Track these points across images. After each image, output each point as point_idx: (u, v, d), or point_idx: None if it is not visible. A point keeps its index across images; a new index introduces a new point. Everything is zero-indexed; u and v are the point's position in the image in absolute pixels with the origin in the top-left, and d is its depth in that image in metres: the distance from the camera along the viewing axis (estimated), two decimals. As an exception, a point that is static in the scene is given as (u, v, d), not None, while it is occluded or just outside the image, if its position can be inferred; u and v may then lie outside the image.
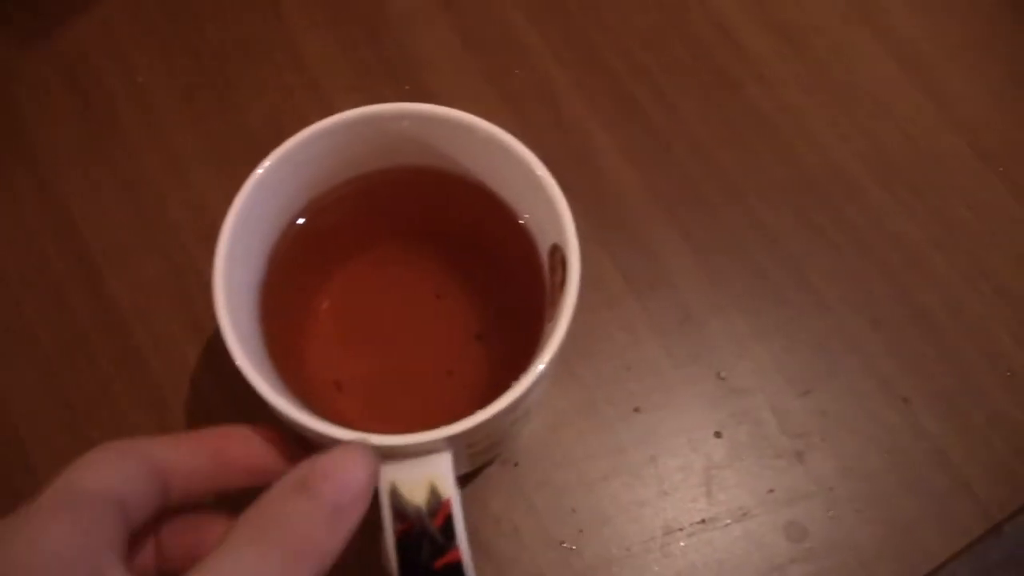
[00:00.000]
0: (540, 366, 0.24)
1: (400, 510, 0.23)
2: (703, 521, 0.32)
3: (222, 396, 0.33)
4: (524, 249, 0.29)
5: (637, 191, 0.37)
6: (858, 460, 0.33)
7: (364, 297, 0.31)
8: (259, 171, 0.27)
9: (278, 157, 0.27)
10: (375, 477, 0.23)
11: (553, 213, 0.27)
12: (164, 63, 0.39)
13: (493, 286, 0.31)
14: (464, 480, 0.32)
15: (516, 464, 0.33)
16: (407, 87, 0.39)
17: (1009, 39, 0.41)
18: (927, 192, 0.37)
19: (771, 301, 0.35)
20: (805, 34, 0.40)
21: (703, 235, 0.36)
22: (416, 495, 0.23)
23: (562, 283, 0.26)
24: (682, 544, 0.32)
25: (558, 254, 0.27)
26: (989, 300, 0.35)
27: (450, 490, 0.23)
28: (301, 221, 0.30)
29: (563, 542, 0.32)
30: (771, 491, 0.32)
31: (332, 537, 0.21)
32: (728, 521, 0.32)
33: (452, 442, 0.24)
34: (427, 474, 0.23)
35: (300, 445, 0.25)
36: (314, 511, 0.21)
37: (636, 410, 0.33)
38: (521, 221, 0.29)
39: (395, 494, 0.23)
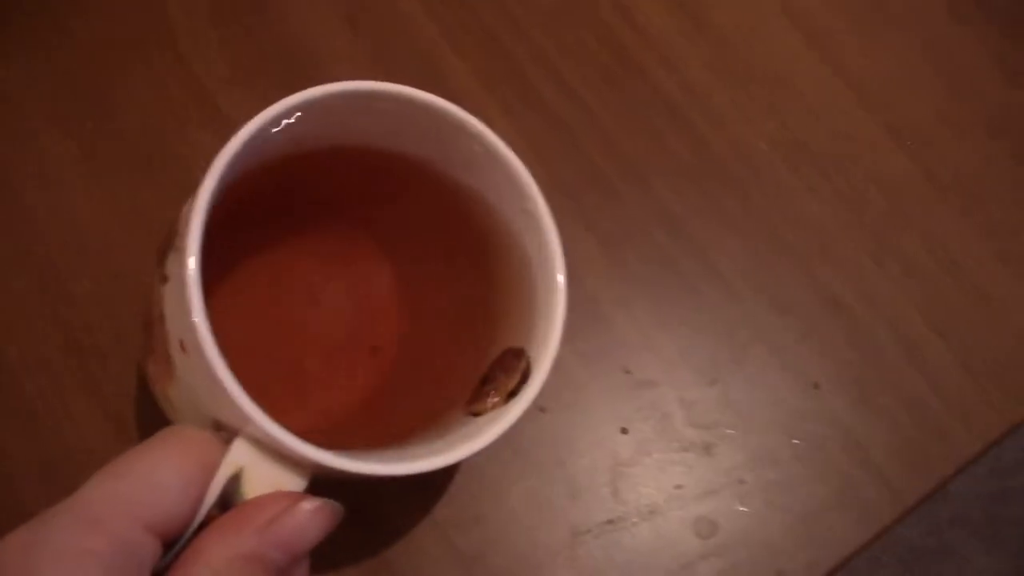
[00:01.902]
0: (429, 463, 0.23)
1: (227, 500, 0.21)
2: (610, 521, 0.31)
3: (99, 416, 0.31)
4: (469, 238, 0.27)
5: (540, 180, 0.36)
6: (768, 450, 0.32)
7: (266, 292, 0.29)
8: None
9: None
10: (328, 529, 0.22)
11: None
12: (25, 62, 0.37)
13: (415, 291, 0.29)
14: (361, 492, 0.31)
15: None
16: (296, 79, 0.37)
17: (919, 11, 0.40)
18: (835, 173, 0.37)
19: (677, 290, 0.34)
20: (707, 10, 0.39)
21: (608, 225, 0.35)
22: (250, 493, 0.21)
23: (511, 393, 0.24)
24: (590, 547, 0.31)
25: (523, 362, 0.25)
26: (899, 281, 0.35)
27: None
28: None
29: (468, 552, 0.31)
30: (679, 486, 0.32)
31: None
32: (636, 520, 0.31)
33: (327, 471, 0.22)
34: (279, 482, 0.22)
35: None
36: None
37: (542, 410, 0.32)
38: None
39: (236, 480, 0.21)
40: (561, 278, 0.25)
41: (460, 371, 0.26)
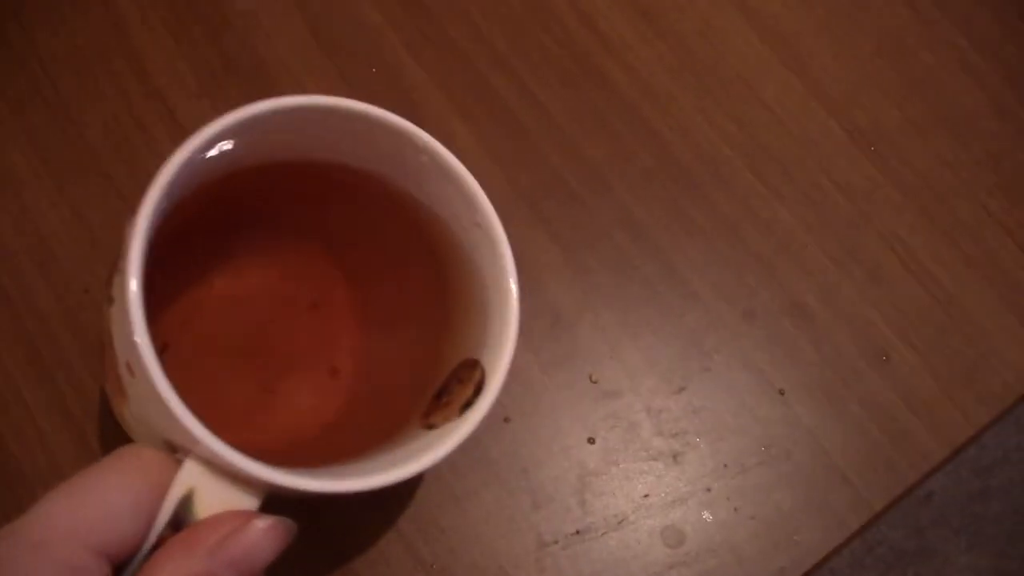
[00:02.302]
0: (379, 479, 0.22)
1: (179, 521, 0.21)
2: (577, 532, 0.31)
3: (63, 433, 0.31)
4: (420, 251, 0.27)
5: (501, 187, 0.36)
6: (735, 457, 0.32)
7: (226, 308, 0.29)
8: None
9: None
10: (280, 546, 0.21)
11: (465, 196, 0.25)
12: (-11, 75, 0.37)
13: (372, 305, 0.29)
14: (322, 506, 0.31)
15: (380, 486, 0.31)
16: (257, 90, 0.37)
17: (882, 14, 0.40)
18: (798, 175, 0.36)
19: (641, 297, 0.34)
20: (667, 13, 0.39)
21: (570, 232, 0.35)
22: (202, 513, 0.21)
23: (466, 404, 0.24)
24: (557, 557, 0.30)
25: (477, 372, 0.25)
26: (861, 285, 0.35)
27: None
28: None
29: (433, 564, 0.30)
30: (646, 496, 0.31)
31: None
32: (604, 530, 0.31)
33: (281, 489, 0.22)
34: (231, 502, 0.21)
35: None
36: None
37: (506, 420, 0.32)
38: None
39: (187, 501, 0.21)
40: (514, 287, 0.25)
41: (417, 385, 0.26)
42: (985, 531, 0.99)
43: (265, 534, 0.21)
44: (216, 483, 0.21)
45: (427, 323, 0.27)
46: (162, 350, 0.27)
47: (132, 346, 0.20)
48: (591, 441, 0.32)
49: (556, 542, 0.31)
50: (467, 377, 0.24)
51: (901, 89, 0.38)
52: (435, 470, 0.31)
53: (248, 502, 0.22)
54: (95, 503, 0.21)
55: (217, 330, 0.29)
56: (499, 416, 0.32)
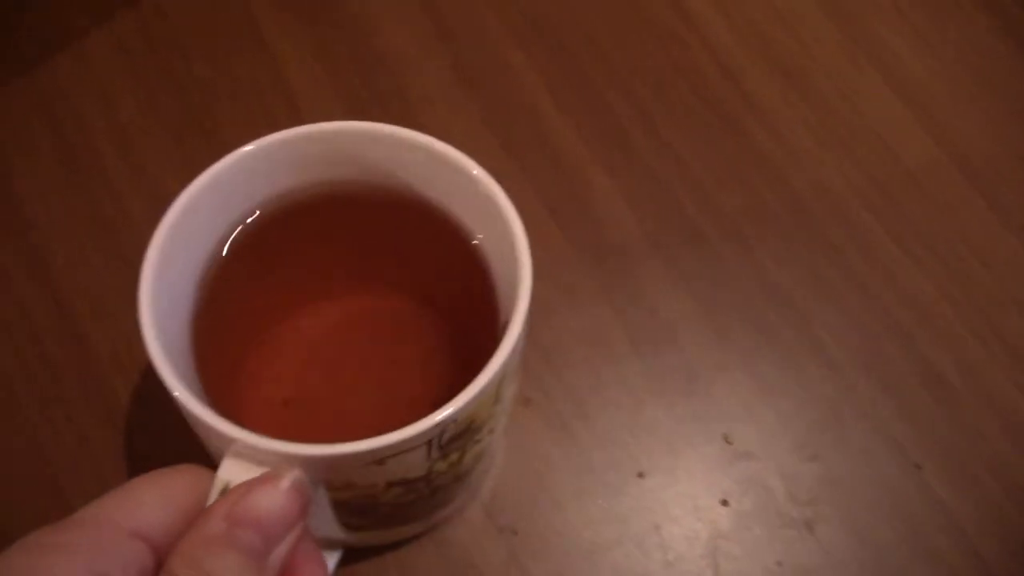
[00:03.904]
0: (410, 431, 0.22)
1: None
2: (708, 595, 0.31)
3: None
4: (476, 274, 0.28)
5: (638, 240, 0.36)
6: (869, 530, 0.32)
7: (304, 319, 0.30)
8: (185, 195, 0.26)
9: (204, 183, 0.26)
10: (300, 505, 0.22)
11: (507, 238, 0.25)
12: (149, 101, 0.38)
13: (442, 311, 0.29)
14: (459, 548, 0.31)
15: (515, 532, 0.31)
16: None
17: (1022, 79, 0.40)
18: (940, 245, 0.36)
19: (778, 360, 0.34)
20: (810, 74, 0.39)
21: (707, 288, 0.35)
22: None
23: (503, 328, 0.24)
24: (686, 619, 0.30)
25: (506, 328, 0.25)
26: (1002, 361, 0.34)
27: None
28: (231, 241, 0.28)
29: (562, 616, 0.30)
30: (779, 563, 0.31)
31: None
32: (734, 595, 0.31)
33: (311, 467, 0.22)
34: None
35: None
36: (239, 563, 0.20)
37: (640, 475, 0.32)
38: (475, 242, 0.28)
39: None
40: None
41: None
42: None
43: (283, 493, 0.21)
44: (251, 473, 0.22)
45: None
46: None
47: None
48: (724, 503, 0.32)
49: (685, 602, 0.31)
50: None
51: (1046, 163, 0.38)
52: (566, 522, 0.31)
53: None
54: (139, 501, 0.22)
55: (292, 348, 0.30)
56: (632, 470, 0.32)
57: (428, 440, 0.23)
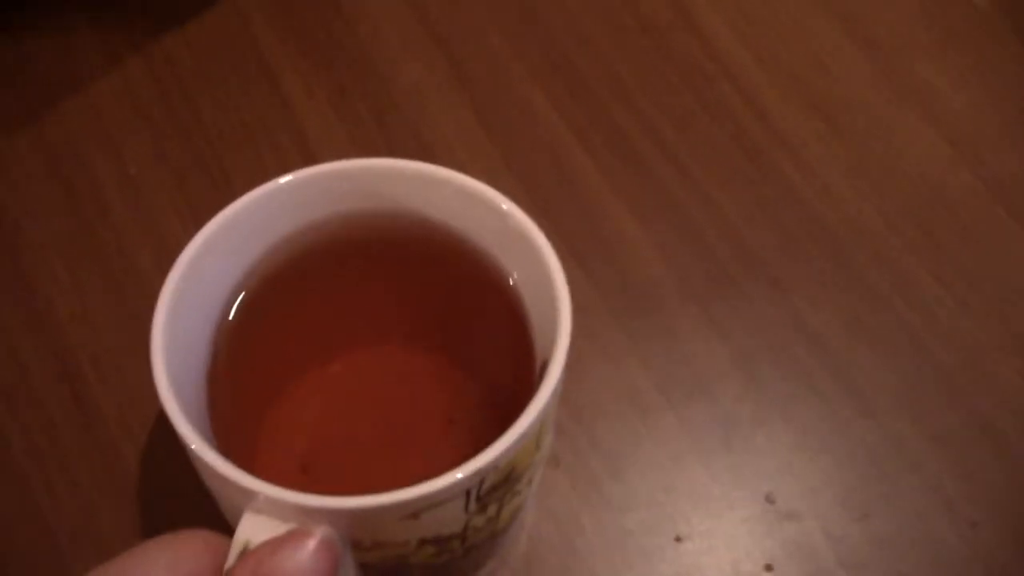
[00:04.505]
0: (445, 481, 0.20)
1: None
2: (754, 668, 0.29)
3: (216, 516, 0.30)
4: (510, 316, 0.26)
5: (668, 286, 0.34)
6: (924, 595, 0.30)
7: (325, 373, 0.28)
8: (202, 235, 0.25)
9: (221, 223, 0.25)
10: (331, 566, 0.20)
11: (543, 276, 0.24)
12: (155, 148, 0.37)
13: (474, 359, 0.28)
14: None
15: (544, 602, 0.29)
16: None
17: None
18: (985, 286, 0.34)
19: (818, 410, 0.32)
20: (845, 112, 0.38)
21: (742, 336, 0.33)
22: None
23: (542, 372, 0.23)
24: None
25: (543, 371, 0.24)
26: (1059, 409, 0.32)
27: None
28: (248, 287, 0.27)
29: None
30: (830, 633, 0.29)
31: None
32: (782, 667, 0.29)
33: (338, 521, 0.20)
34: None
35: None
36: None
37: (677, 539, 0.30)
38: (511, 281, 0.26)
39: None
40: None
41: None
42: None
43: (314, 554, 0.20)
44: (274, 531, 0.20)
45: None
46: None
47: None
48: (769, 568, 0.30)
49: (729, 676, 0.29)
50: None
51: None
52: None
53: None
54: (147, 567, 0.20)
55: (311, 402, 0.28)
56: (670, 533, 0.30)
57: (467, 489, 0.21)
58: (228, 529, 0.25)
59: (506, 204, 0.25)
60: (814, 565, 0.30)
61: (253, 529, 0.20)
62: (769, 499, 0.31)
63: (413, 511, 0.20)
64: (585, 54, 0.39)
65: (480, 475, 0.20)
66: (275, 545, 0.20)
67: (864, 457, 0.32)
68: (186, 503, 0.30)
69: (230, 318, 0.26)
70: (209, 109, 0.38)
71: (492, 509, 0.23)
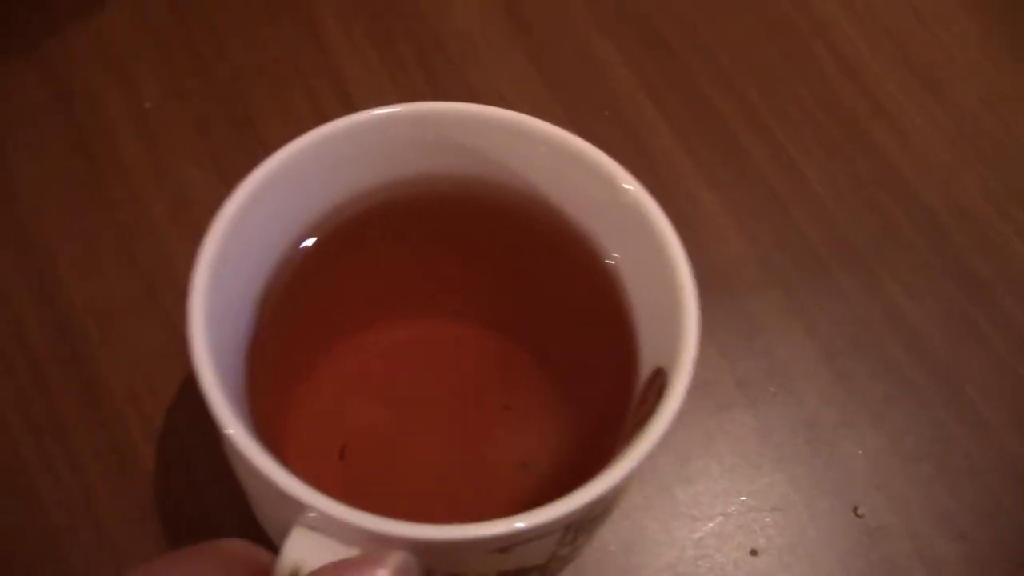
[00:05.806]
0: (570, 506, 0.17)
1: None
2: None
3: (232, 510, 0.27)
4: (601, 301, 0.23)
5: (748, 267, 0.31)
6: (1029, 628, 0.27)
7: (374, 347, 0.25)
8: (250, 182, 0.20)
9: (274, 169, 0.21)
10: None
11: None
12: (174, 85, 0.33)
13: (543, 342, 0.24)
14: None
15: (603, 619, 0.26)
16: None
17: None
18: (1102, 282, 0.31)
19: (915, 417, 0.29)
20: (947, 78, 0.34)
21: (829, 328, 0.30)
22: None
23: (650, 413, 0.20)
24: None
25: (658, 380, 0.21)
26: None
27: None
28: (304, 246, 0.23)
29: None
30: (923, 667, 0.26)
31: None
32: None
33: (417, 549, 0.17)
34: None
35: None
36: None
37: (752, 552, 0.27)
38: (610, 261, 0.23)
39: None
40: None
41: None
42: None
43: None
44: (332, 554, 0.17)
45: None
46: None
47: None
48: (857, 591, 0.27)
49: None
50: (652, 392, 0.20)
51: None
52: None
53: None
54: None
55: (357, 384, 0.25)
56: (745, 546, 0.27)
57: (569, 524, 0.18)
58: (250, 518, 0.22)
59: (623, 175, 0.21)
60: (909, 590, 0.27)
61: (305, 549, 0.16)
62: (856, 512, 0.27)
63: (505, 545, 0.17)
64: (657, 1, 0.35)
65: (589, 508, 0.17)
66: (339, 572, 0.16)
67: (965, 469, 0.28)
68: (204, 494, 0.27)
69: (278, 282, 0.22)
70: (234, 43, 0.33)
71: (581, 539, 0.19)
